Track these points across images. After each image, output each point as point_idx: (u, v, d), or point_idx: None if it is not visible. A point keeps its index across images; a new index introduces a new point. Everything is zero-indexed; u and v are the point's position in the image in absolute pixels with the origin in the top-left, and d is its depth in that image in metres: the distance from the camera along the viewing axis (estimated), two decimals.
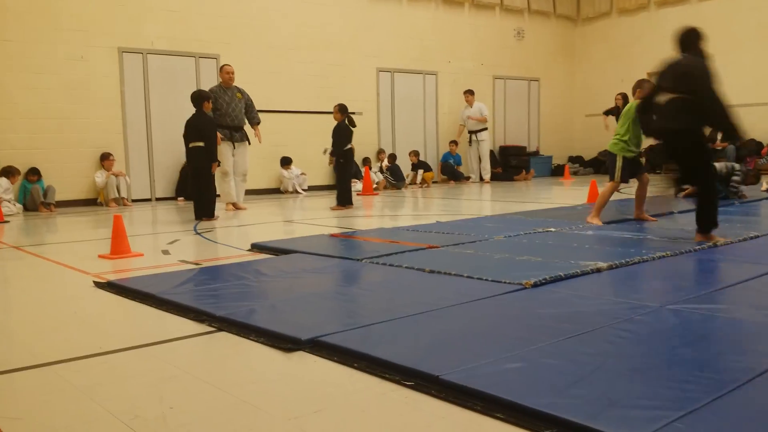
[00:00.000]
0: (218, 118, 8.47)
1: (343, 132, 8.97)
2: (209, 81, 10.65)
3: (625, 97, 13.33)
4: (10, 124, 9.54)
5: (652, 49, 15.30)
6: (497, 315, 3.04)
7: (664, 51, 16.86)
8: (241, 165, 8.83)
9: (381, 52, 13.36)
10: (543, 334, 2.64)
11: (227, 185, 8.69)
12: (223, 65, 8.91)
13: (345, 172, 9.11)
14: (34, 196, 9.42)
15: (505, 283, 3.59)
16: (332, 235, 5.84)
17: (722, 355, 2.36)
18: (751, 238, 5.00)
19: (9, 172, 9.21)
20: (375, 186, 11.97)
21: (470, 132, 13.74)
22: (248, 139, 8.92)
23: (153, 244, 6.00)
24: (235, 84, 8.80)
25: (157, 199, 10.88)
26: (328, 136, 12.40)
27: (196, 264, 4.75)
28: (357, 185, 12.13)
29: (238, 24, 11.49)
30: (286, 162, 11.97)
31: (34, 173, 9.53)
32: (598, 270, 3.92)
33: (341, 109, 9.02)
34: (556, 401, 1.96)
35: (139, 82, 10.65)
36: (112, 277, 4.27)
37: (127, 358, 2.68)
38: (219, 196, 8.54)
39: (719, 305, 3.07)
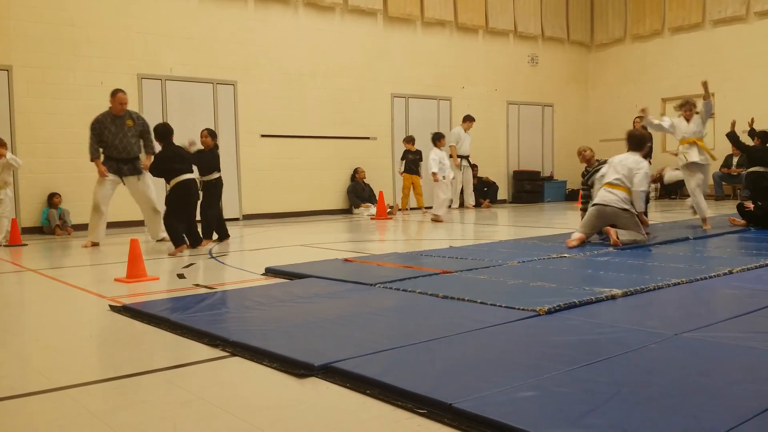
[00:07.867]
0: (104, 150, 7.67)
1: (212, 158, 7.68)
2: (227, 106, 10.81)
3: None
4: (28, 148, 9.69)
5: (665, 74, 15.34)
6: (511, 342, 3.03)
7: (677, 76, 16.73)
8: (145, 199, 7.82)
9: (396, 78, 13.48)
10: (557, 362, 2.63)
11: (95, 220, 7.82)
12: (117, 92, 7.82)
13: (211, 202, 7.66)
14: (50, 220, 9.56)
15: (518, 309, 3.58)
16: (346, 260, 5.86)
17: (737, 384, 2.34)
18: (765, 266, 4.96)
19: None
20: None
21: (460, 156, 13.33)
22: (141, 171, 7.84)
23: (169, 268, 6.05)
24: (135, 110, 8.03)
25: None
26: (343, 160, 12.61)
27: (211, 288, 4.79)
28: (371, 209, 12.18)
29: (255, 51, 11.66)
30: None
31: (55, 197, 9.79)
32: (613, 297, 3.90)
33: (211, 134, 7.74)
34: (569, 431, 1.95)
35: (157, 108, 10.80)
36: (127, 301, 4.30)
37: (141, 383, 2.69)
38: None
39: (733, 333, 3.04)
